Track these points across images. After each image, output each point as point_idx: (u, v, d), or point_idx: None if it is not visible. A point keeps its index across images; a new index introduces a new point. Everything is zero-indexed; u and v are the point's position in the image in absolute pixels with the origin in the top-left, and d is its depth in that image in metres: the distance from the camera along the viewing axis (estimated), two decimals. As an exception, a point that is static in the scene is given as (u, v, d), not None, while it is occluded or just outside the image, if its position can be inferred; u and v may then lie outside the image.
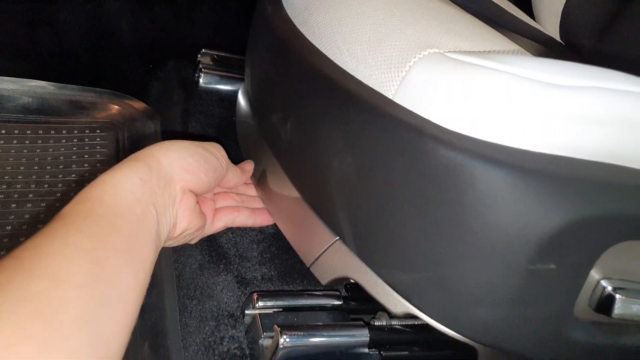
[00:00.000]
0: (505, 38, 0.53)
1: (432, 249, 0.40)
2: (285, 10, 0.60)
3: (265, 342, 0.44)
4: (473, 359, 0.46)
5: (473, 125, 0.38)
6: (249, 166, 0.55)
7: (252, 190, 0.56)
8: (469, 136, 0.38)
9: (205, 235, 0.46)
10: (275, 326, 0.43)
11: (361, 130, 0.44)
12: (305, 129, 0.51)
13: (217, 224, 0.48)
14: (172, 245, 0.41)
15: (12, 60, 0.81)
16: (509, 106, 0.36)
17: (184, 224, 0.39)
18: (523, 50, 0.50)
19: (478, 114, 0.37)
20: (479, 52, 0.42)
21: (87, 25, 0.82)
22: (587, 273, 0.39)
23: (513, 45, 0.48)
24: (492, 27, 0.86)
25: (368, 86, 0.44)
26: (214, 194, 0.50)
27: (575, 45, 1.00)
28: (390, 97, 0.42)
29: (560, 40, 1.03)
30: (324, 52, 0.50)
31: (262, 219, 0.52)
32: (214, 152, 0.43)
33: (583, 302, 0.42)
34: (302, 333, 0.43)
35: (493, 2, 0.95)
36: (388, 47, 0.43)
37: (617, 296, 0.40)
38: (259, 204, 0.54)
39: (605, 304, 0.41)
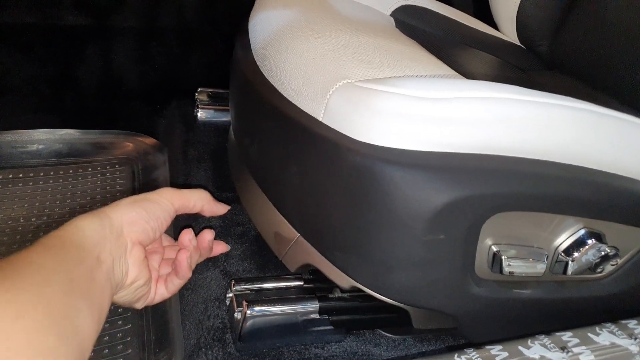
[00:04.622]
0: (422, 61, 0.64)
1: (356, 231, 0.52)
2: (252, 53, 0.74)
3: (238, 315, 0.56)
4: (407, 319, 0.57)
5: (374, 135, 0.50)
6: (209, 235, 0.49)
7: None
8: (371, 144, 0.50)
9: (149, 304, 0.47)
10: (244, 301, 0.56)
11: (301, 146, 0.57)
12: (265, 149, 0.64)
13: (159, 293, 0.48)
14: (121, 301, 0.44)
15: (44, 115, 0.99)
16: (395, 118, 0.48)
17: (135, 273, 0.42)
18: (435, 67, 0.61)
19: (375, 126, 0.49)
20: (381, 78, 0.54)
21: (101, 79, 0.99)
22: (475, 240, 0.51)
23: (419, 69, 0.59)
24: (451, 47, 0.98)
25: (305, 112, 0.57)
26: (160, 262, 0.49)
27: (533, 48, 1.10)
28: (320, 119, 0.55)
29: (520, 45, 1.13)
30: (275, 87, 0.64)
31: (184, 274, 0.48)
32: (156, 199, 0.45)
33: (483, 264, 0.53)
34: (264, 305, 0.56)
35: (456, 22, 1.06)
36: (315, 82, 0.56)
37: (503, 256, 0.51)
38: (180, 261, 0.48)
39: (496, 263, 0.52)
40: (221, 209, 0.51)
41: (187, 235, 0.47)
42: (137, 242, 0.43)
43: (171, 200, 0.46)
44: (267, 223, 0.69)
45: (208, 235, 0.49)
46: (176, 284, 0.48)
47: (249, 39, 0.76)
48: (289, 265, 0.65)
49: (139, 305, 0.46)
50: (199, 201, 0.48)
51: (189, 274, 0.48)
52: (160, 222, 0.45)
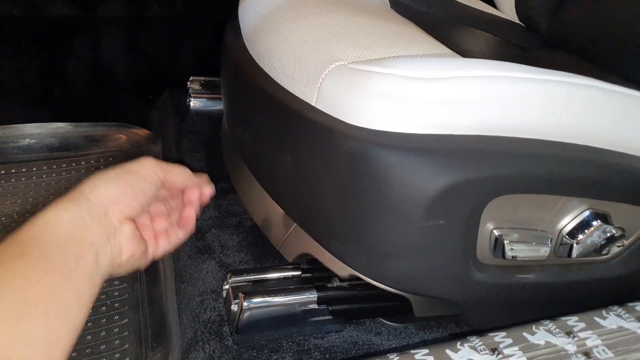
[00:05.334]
0: (418, 41, 0.62)
1: (353, 219, 0.50)
2: (242, 38, 0.72)
3: (235, 307, 0.55)
4: (408, 307, 0.56)
5: (367, 118, 0.48)
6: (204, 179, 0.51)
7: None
8: (365, 127, 0.48)
9: (154, 257, 0.45)
10: (240, 293, 0.54)
11: (295, 132, 0.55)
12: (258, 137, 0.62)
13: (159, 250, 0.46)
14: (121, 272, 0.42)
15: (34, 109, 0.97)
16: (389, 99, 0.46)
17: (130, 250, 0.40)
18: (430, 49, 0.59)
19: (369, 109, 0.47)
20: (374, 59, 0.52)
21: (91, 71, 0.97)
22: (476, 225, 0.49)
23: (415, 50, 0.57)
24: (448, 26, 0.95)
25: (297, 97, 0.55)
26: (152, 218, 0.47)
27: (533, 25, 1.07)
28: (313, 104, 0.53)
29: (520, 23, 1.10)
30: (267, 72, 0.61)
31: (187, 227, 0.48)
32: (140, 171, 0.42)
33: (485, 249, 0.52)
34: (261, 296, 0.54)
35: (453, 1, 1.03)
36: (306, 65, 0.54)
37: (505, 240, 0.49)
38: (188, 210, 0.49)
39: (499, 248, 0.50)
40: (204, 181, 0.49)
41: (195, 193, 0.48)
42: (125, 219, 0.40)
43: (156, 172, 0.44)
44: (263, 213, 0.67)
45: (208, 190, 0.49)
46: (181, 236, 0.47)
47: (239, 24, 0.73)
48: (286, 255, 0.64)
49: (142, 267, 0.44)
50: (180, 176, 0.47)
51: (194, 228, 0.48)
52: (148, 196, 0.42)
